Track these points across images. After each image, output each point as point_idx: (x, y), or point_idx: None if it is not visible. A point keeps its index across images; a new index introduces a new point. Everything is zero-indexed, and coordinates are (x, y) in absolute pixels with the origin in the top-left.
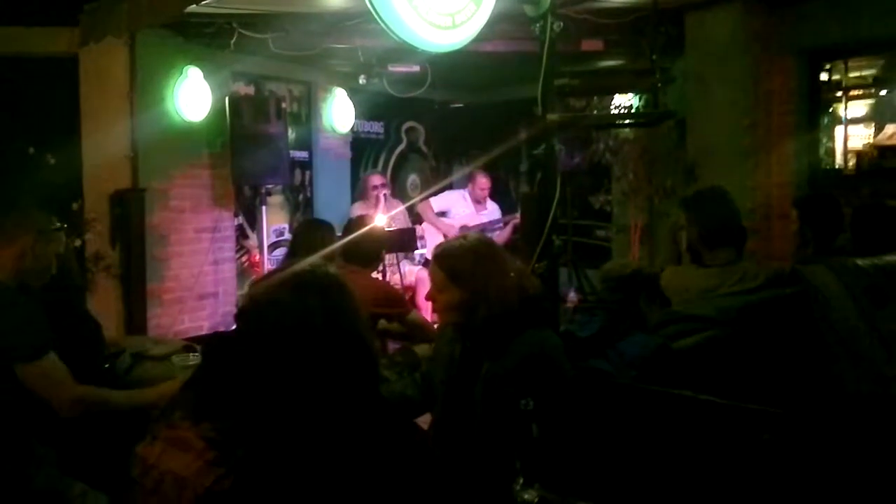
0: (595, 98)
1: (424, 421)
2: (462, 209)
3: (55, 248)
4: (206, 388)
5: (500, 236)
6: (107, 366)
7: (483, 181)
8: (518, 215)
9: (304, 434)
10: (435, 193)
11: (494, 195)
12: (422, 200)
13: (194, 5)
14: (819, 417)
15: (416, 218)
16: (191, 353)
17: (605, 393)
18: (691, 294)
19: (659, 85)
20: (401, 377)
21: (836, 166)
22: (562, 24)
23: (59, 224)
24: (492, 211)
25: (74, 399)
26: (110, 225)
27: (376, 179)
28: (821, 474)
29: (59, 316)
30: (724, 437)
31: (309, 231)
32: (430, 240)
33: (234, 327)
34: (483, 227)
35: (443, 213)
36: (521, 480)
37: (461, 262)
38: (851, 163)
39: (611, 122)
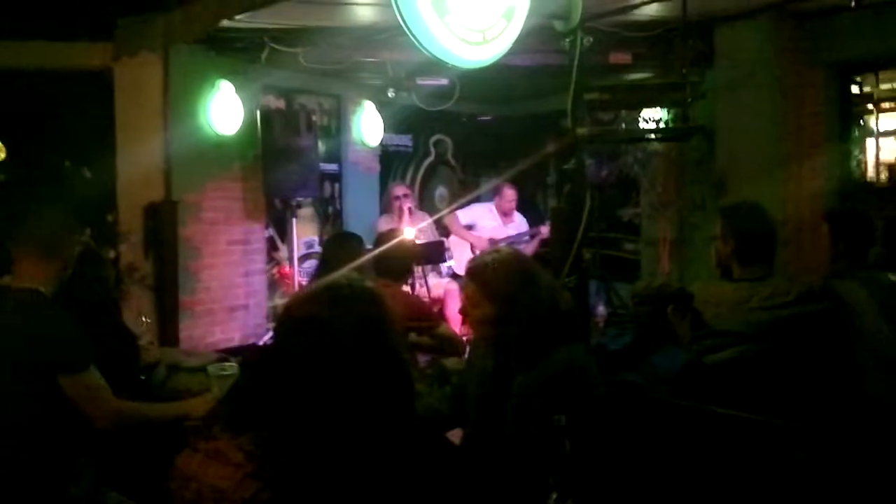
0: (623, 111)
1: (454, 435)
2: (489, 222)
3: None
4: (245, 400)
5: (527, 248)
6: (143, 377)
7: (510, 193)
8: (544, 228)
9: (341, 447)
10: (462, 206)
11: (521, 208)
12: (449, 213)
13: (226, 20)
14: (853, 434)
15: (444, 230)
16: (225, 364)
17: (638, 407)
18: (722, 308)
19: (689, 100)
20: (431, 391)
21: (868, 178)
22: (591, 38)
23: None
24: (519, 224)
25: (112, 412)
26: (144, 237)
27: (399, 190)
28: (855, 491)
29: (96, 327)
30: (758, 454)
31: (339, 244)
32: (458, 252)
33: (269, 339)
34: (510, 241)
35: (469, 227)
36: (555, 496)
37: (494, 276)
38: (884, 175)
39: (639, 136)
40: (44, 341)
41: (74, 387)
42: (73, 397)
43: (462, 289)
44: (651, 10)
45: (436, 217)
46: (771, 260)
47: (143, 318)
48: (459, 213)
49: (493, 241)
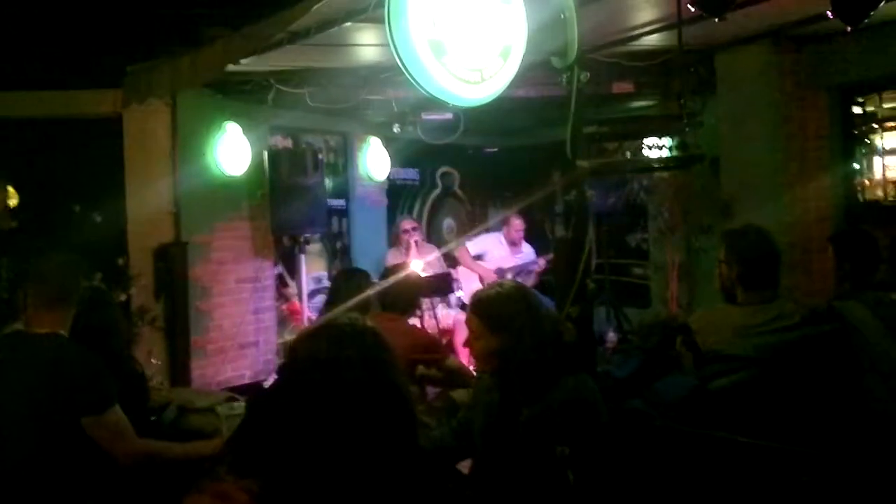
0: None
1: (464, 466)
2: (497, 251)
3: None
4: (249, 442)
5: (526, 280)
6: (153, 418)
7: (517, 223)
8: (541, 260)
9: (344, 487)
10: (471, 237)
11: (530, 237)
12: (457, 244)
13: (232, 65)
14: (858, 458)
15: (453, 262)
16: (234, 403)
17: (643, 435)
18: (726, 333)
19: (687, 129)
20: (440, 423)
21: (875, 198)
22: (588, 74)
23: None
24: (527, 253)
25: (137, 451)
26: (154, 279)
27: (407, 224)
28: None
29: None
30: (762, 479)
31: (346, 280)
32: (466, 283)
33: (275, 380)
34: (519, 269)
35: (479, 257)
36: None
37: (497, 309)
38: (891, 194)
39: (640, 167)
40: (69, 383)
41: (99, 427)
42: (97, 438)
43: (466, 322)
44: (652, 40)
45: (444, 250)
46: (775, 283)
47: (154, 360)
48: (469, 244)
49: (500, 272)
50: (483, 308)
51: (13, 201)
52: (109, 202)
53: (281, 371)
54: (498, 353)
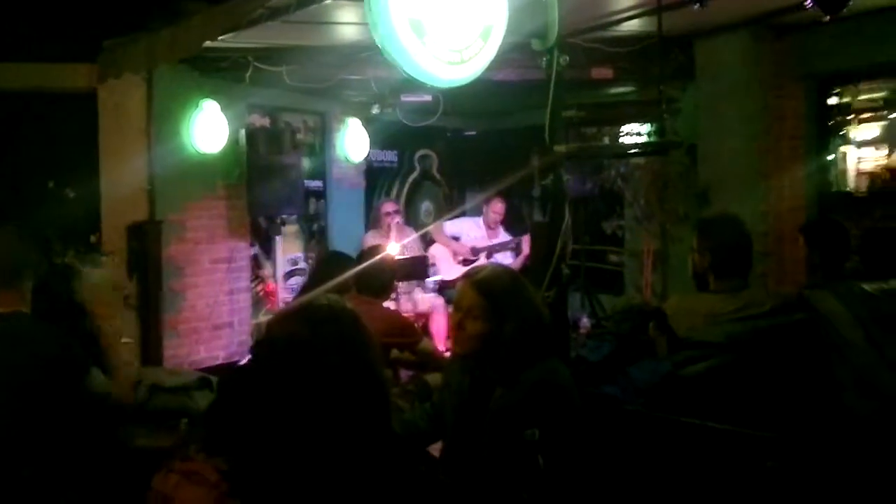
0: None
1: (436, 449)
2: (474, 234)
3: None
4: (220, 421)
5: (513, 264)
6: None
7: (499, 207)
8: (526, 238)
9: (316, 467)
10: (449, 219)
11: (507, 220)
12: (435, 225)
13: (210, 41)
14: (824, 443)
15: (430, 244)
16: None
17: (614, 420)
18: (698, 320)
19: (665, 116)
20: (413, 406)
21: (848, 189)
22: (568, 58)
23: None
24: (502, 237)
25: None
26: (127, 257)
27: (388, 206)
28: (824, 500)
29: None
30: (730, 464)
31: (331, 263)
32: (442, 266)
33: (248, 359)
34: (493, 248)
35: (455, 238)
36: None
37: (501, 289)
38: (863, 185)
39: (617, 152)
40: (40, 361)
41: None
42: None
43: (459, 302)
44: (632, 26)
45: (423, 232)
46: (746, 272)
47: (126, 339)
48: (446, 223)
49: (475, 250)
50: (487, 287)
51: None
52: (83, 178)
53: (255, 350)
54: (489, 335)
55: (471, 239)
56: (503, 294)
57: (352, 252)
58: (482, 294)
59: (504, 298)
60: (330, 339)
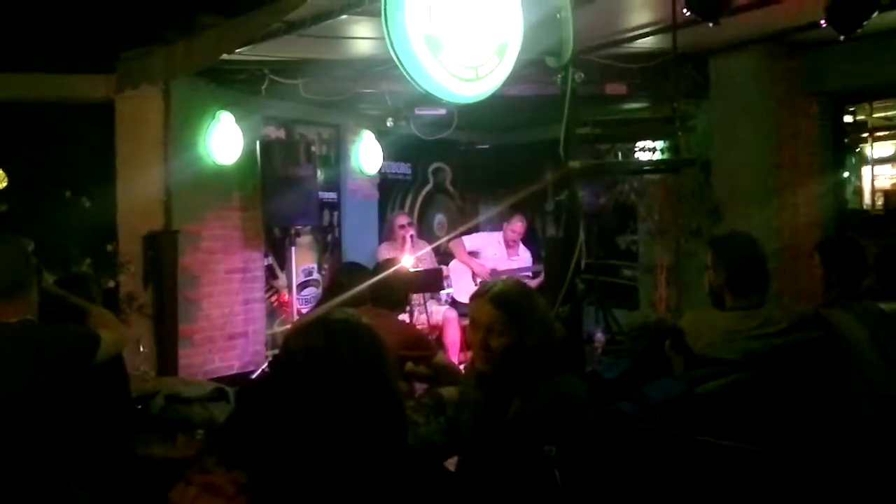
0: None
1: (451, 463)
2: (493, 251)
3: None
4: (239, 434)
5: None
6: (139, 407)
7: (518, 225)
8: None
9: (333, 481)
10: (462, 235)
11: (525, 239)
12: (454, 238)
13: (227, 53)
14: (841, 461)
15: (444, 258)
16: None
17: (629, 437)
18: (714, 337)
19: (679, 133)
20: (428, 420)
21: (864, 206)
22: (583, 74)
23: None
24: (524, 258)
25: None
26: (143, 266)
27: (402, 219)
28: None
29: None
30: (748, 484)
31: (348, 275)
32: (456, 280)
33: (266, 370)
34: (512, 274)
35: (473, 254)
36: None
37: (519, 303)
38: (879, 202)
39: (632, 170)
40: (53, 364)
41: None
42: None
43: (478, 319)
44: (646, 43)
45: (437, 244)
46: (763, 289)
47: (141, 347)
48: (465, 238)
49: (495, 273)
50: (504, 300)
51: (2, 184)
52: (100, 188)
53: (273, 363)
54: (506, 350)
55: (490, 257)
56: (521, 305)
57: (365, 263)
58: (500, 308)
59: (522, 310)
60: (347, 353)
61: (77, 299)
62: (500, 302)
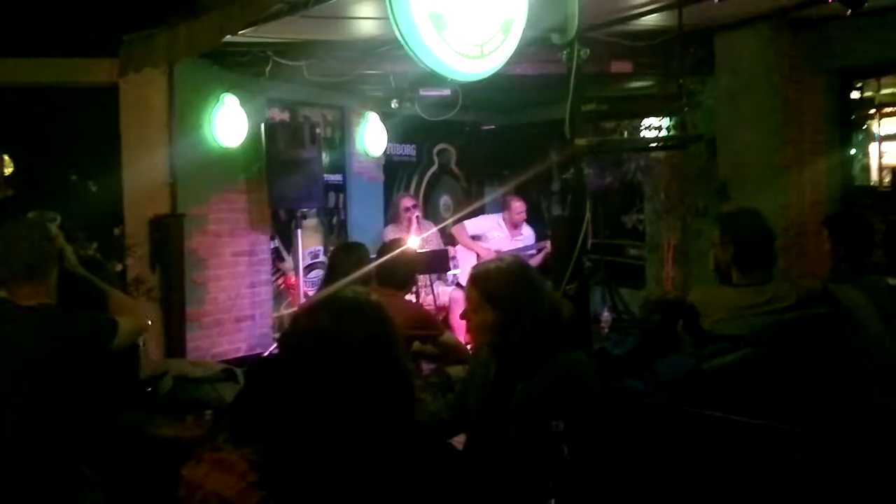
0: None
1: (458, 441)
2: (497, 233)
3: None
4: (249, 411)
5: (532, 261)
6: (149, 388)
7: (519, 206)
8: (548, 243)
9: (342, 457)
10: (468, 216)
11: (529, 218)
12: (455, 223)
13: (230, 35)
14: (850, 437)
15: (449, 239)
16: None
17: (637, 413)
18: (722, 314)
19: (686, 109)
20: (436, 399)
21: (871, 183)
22: (588, 51)
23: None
24: (527, 236)
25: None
26: (150, 249)
27: (408, 201)
28: (851, 495)
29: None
30: (756, 458)
31: (345, 254)
32: (463, 261)
33: (275, 350)
34: (516, 254)
35: (477, 237)
36: (553, 502)
37: (497, 283)
38: (887, 179)
39: (637, 147)
40: (73, 350)
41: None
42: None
43: (465, 294)
44: (651, 20)
45: (442, 226)
46: (770, 265)
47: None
48: (467, 223)
49: (499, 254)
50: (482, 281)
51: (8, 169)
52: (106, 172)
53: (282, 341)
54: (495, 328)
55: (494, 240)
56: (498, 287)
57: (371, 245)
58: (476, 287)
59: (499, 291)
60: (356, 331)
61: (100, 283)
62: (475, 281)
